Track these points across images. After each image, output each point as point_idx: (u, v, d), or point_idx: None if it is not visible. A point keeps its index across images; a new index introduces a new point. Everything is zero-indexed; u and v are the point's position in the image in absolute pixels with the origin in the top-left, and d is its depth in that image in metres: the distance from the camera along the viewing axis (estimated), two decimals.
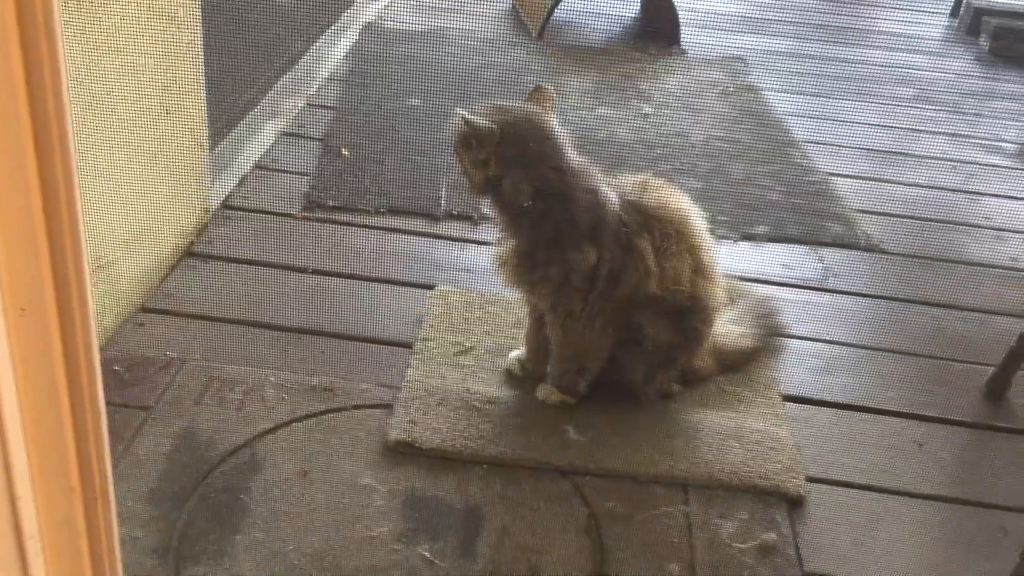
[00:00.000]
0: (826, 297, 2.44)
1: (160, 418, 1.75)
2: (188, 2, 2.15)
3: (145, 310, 2.09)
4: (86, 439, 0.87)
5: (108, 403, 1.73)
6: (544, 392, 1.91)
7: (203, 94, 2.30)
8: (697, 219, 1.87)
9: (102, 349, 1.92)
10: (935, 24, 5.29)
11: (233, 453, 1.69)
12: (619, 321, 1.82)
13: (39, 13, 0.71)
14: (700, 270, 1.84)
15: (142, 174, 2.07)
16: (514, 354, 2.00)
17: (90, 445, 0.88)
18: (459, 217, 2.62)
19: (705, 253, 1.86)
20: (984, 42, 4.83)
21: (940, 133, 3.66)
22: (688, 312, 1.84)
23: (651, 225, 1.79)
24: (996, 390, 2.09)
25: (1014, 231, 2.90)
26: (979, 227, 2.92)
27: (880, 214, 2.90)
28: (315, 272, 2.31)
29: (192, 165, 2.31)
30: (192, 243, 2.34)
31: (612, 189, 1.80)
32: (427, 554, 1.53)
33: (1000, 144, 3.60)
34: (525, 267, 1.77)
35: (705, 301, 1.85)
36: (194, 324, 2.06)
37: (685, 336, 1.86)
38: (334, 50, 3.78)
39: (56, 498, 0.88)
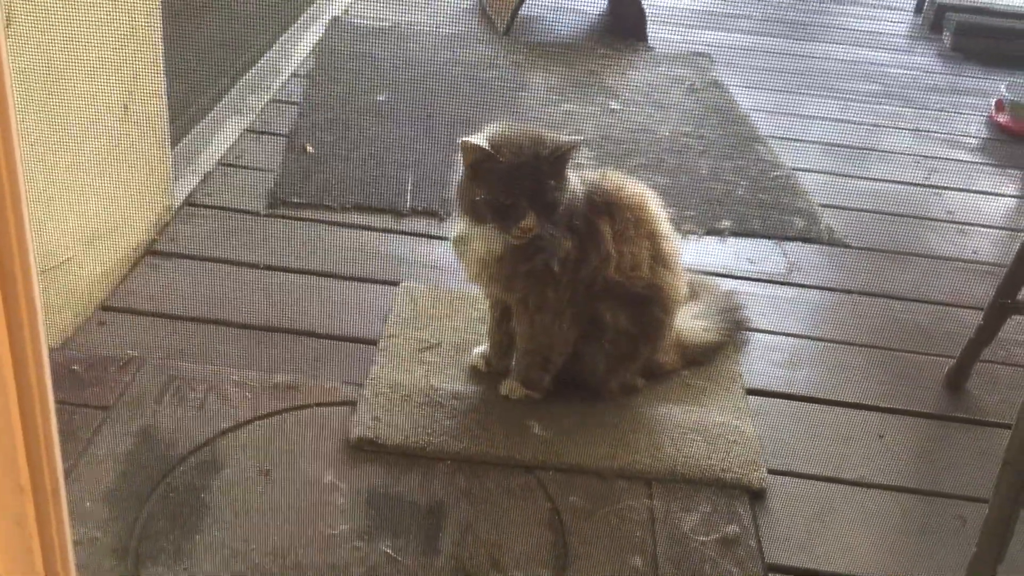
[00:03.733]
0: (790, 291, 2.46)
1: (119, 418, 1.73)
2: None
3: (105, 308, 2.06)
4: (36, 438, 0.86)
5: (66, 403, 1.72)
6: (508, 387, 1.91)
7: (164, 89, 2.28)
8: (656, 207, 1.88)
9: (60, 348, 1.89)
10: (899, 20, 5.34)
11: (194, 452, 1.68)
12: (583, 312, 1.82)
13: None
14: (660, 258, 1.85)
15: (101, 170, 2.05)
16: (478, 350, 2.00)
17: (40, 444, 0.87)
18: (424, 213, 2.62)
19: (665, 242, 1.86)
20: (947, 38, 4.88)
21: (903, 128, 3.69)
22: (648, 301, 1.84)
23: (611, 209, 1.80)
24: (956, 381, 2.11)
25: (975, 225, 2.94)
26: (941, 221, 2.95)
27: (844, 208, 2.92)
28: (279, 269, 2.29)
29: (154, 162, 2.29)
30: (154, 240, 2.32)
31: (574, 172, 1.80)
32: (389, 551, 1.52)
33: (962, 139, 3.65)
34: (514, 263, 1.76)
35: (665, 290, 1.86)
36: (155, 322, 2.04)
37: (646, 326, 1.86)
38: (299, 46, 3.75)
39: (6, 498, 0.87)
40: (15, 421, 0.84)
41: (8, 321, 0.81)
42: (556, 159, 1.68)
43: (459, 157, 1.72)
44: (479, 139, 1.67)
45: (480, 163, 1.67)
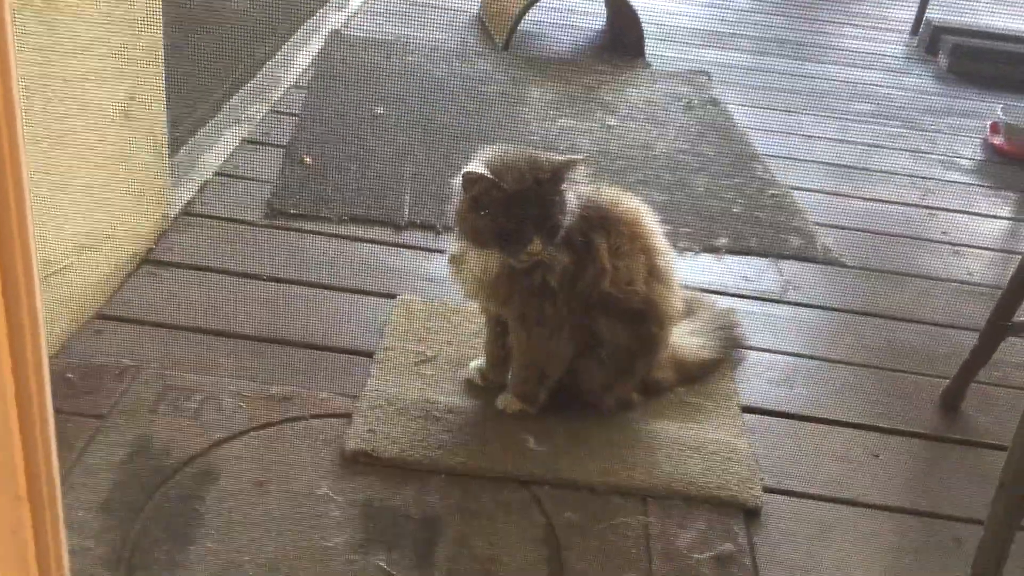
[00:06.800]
0: (785, 309, 2.46)
1: (114, 427, 1.72)
2: (150, 5, 2.13)
3: (101, 317, 2.06)
4: (34, 447, 0.86)
5: (60, 411, 1.71)
6: (504, 401, 1.90)
7: (164, 99, 2.28)
8: (652, 223, 1.88)
9: (56, 356, 1.89)
10: (895, 42, 5.37)
11: (188, 463, 1.67)
12: (579, 327, 1.82)
13: None
14: (655, 273, 1.85)
15: (100, 179, 2.05)
16: (474, 364, 2.00)
17: (38, 454, 0.86)
18: (422, 226, 2.62)
19: (660, 257, 1.87)
20: (943, 60, 4.91)
21: (899, 149, 3.71)
22: (644, 316, 1.84)
23: (606, 224, 1.80)
24: (950, 402, 2.12)
25: (970, 246, 2.95)
26: (936, 241, 2.96)
27: (839, 228, 2.93)
28: (275, 280, 2.29)
29: (152, 171, 2.29)
30: (151, 249, 2.31)
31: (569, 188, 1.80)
32: (383, 564, 1.52)
33: (957, 160, 3.66)
34: (511, 281, 1.76)
35: (661, 305, 1.86)
36: (151, 332, 2.03)
37: (642, 341, 1.86)
38: (298, 57, 3.76)
39: (3, 507, 0.86)
40: (14, 431, 0.84)
41: (9, 328, 0.80)
42: (556, 180, 1.69)
43: (457, 184, 1.72)
44: (481, 168, 1.68)
45: (484, 192, 1.68)
